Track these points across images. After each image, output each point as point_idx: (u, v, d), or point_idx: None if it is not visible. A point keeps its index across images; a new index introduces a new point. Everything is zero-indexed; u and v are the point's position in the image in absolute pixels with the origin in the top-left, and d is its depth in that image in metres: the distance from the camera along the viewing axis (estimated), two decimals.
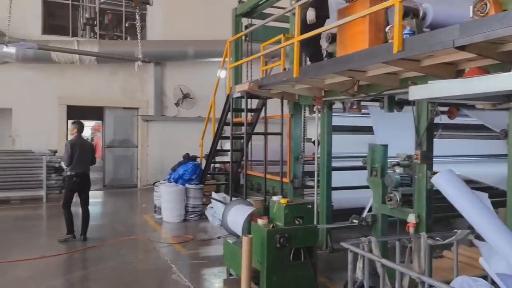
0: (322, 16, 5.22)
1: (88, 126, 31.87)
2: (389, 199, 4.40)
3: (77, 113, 12.92)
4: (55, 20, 12.80)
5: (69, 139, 6.95)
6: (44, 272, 5.25)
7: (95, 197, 11.05)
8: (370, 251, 3.23)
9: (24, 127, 11.24)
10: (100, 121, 20.34)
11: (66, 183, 6.89)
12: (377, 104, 5.39)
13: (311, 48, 5.38)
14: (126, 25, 12.80)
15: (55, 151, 10.43)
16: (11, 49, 10.40)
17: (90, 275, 5.07)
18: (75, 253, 5.98)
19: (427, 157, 4.17)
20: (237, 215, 4.72)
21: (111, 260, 5.62)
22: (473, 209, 2.79)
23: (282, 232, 4.04)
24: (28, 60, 10.83)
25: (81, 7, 12.64)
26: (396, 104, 4.98)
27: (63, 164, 7.09)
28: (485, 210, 2.78)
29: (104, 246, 6.27)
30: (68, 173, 6.56)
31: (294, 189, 6.68)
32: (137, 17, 8.93)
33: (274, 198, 4.37)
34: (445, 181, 2.92)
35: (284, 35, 6.14)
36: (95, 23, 12.78)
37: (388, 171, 4.53)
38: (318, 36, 5.28)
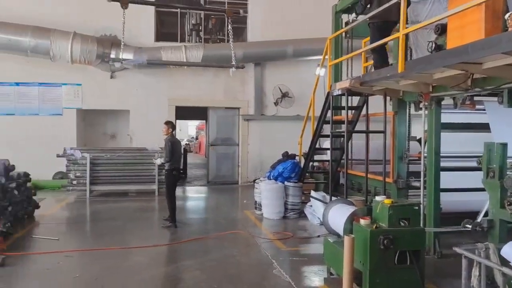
0: None
1: (193, 126, 34.00)
2: (509, 203, 3.98)
3: (184, 113, 13.90)
4: (166, 27, 13.87)
5: (164, 138, 7.55)
6: (158, 259, 5.75)
7: (200, 192, 11.81)
8: (487, 258, 2.97)
9: (139, 126, 12.38)
10: (204, 121, 21.64)
11: (167, 177, 7.47)
12: (494, 99, 4.91)
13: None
14: (242, 14, 13.28)
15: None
16: (129, 56, 11.52)
17: (197, 265, 5.41)
18: (183, 243, 6.44)
19: None
20: (338, 214, 4.66)
21: (215, 252, 5.95)
22: None
23: (386, 233, 3.90)
24: (143, 66, 11.89)
25: (188, 14, 13.50)
26: None
27: (158, 161, 7.66)
28: None
29: (209, 239, 6.65)
30: (166, 167, 7.27)
31: (398, 189, 6.39)
32: (229, 27, 9.36)
33: (378, 198, 4.23)
34: None
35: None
36: (200, 28, 13.57)
37: (508, 173, 4.11)
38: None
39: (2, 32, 10.71)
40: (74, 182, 10.36)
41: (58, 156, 10.42)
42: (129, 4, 7.55)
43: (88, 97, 12.15)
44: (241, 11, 9.50)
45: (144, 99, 12.40)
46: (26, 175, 7.66)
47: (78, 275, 4.94)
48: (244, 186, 12.64)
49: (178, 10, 12.85)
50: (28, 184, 7.76)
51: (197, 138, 30.82)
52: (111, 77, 12.10)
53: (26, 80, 11.75)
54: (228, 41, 13.55)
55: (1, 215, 6.11)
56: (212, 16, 13.75)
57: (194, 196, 11.21)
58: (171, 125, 7.57)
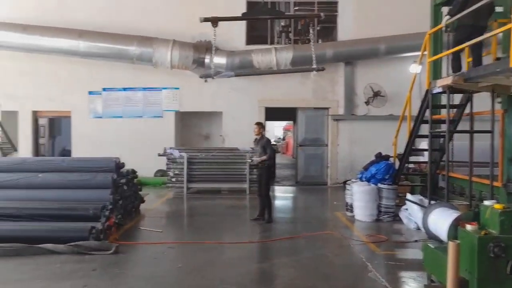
0: None
1: (279, 127, 34.43)
2: None
3: (272, 114, 14.12)
4: (256, 31, 14.23)
5: (255, 138, 8.05)
6: (252, 254, 5.96)
7: (288, 192, 11.93)
8: None
9: (231, 127, 12.88)
10: (291, 121, 21.76)
11: (265, 173, 7.71)
12: None
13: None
14: (318, 28, 13.32)
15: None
16: (222, 60, 12.06)
17: (290, 263, 5.50)
18: (276, 241, 6.57)
19: None
20: (440, 218, 4.42)
21: (308, 252, 5.98)
22: None
23: (496, 241, 3.61)
24: (234, 68, 12.32)
25: None
26: None
27: (255, 160, 7.87)
28: None
29: (300, 238, 6.70)
30: (259, 165, 7.65)
31: (507, 194, 5.86)
32: (311, 31, 9.32)
33: (487, 202, 3.93)
34: None
35: (496, 20, 5.45)
36: (290, 29, 13.70)
37: None
38: None
39: (113, 43, 11.85)
40: (173, 179, 11.10)
41: (159, 155, 11.25)
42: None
43: (185, 100, 12.94)
44: (322, 14, 9.47)
45: (236, 101, 12.86)
46: (134, 172, 8.38)
47: (180, 265, 5.32)
48: (333, 188, 12.49)
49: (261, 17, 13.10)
50: (135, 180, 8.48)
51: (284, 139, 31.20)
52: (206, 80, 12.74)
53: (132, 86, 12.89)
54: (317, 41, 13.59)
55: (114, 208, 6.77)
56: (301, 17, 13.80)
57: (283, 196, 11.35)
58: (262, 126, 7.98)
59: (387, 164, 8.26)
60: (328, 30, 14.20)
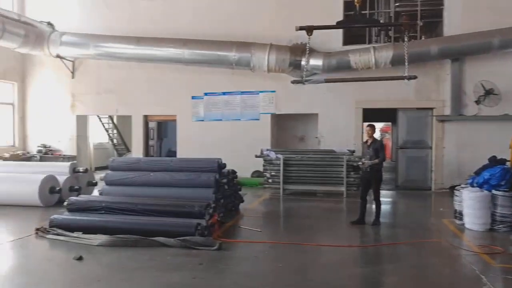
0: None
1: (376, 128, 33.30)
2: None
3: (370, 116, 13.66)
4: (354, 30, 13.88)
5: (365, 139, 7.98)
6: (353, 259, 5.82)
7: (388, 196, 11.43)
8: None
9: (327, 129, 12.74)
10: (389, 123, 20.84)
11: (376, 177, 7.62)
12: None
13: None
14: (421, 23, 12.56)
15: (353, 151, 11.34)
16: (318, 62, 12.01)
17: (394, 270, 5.27)
18: (377, 247, 6.35)
19: None
20: None
21: (412, 259, 5.69)
22: None
23: None
24: (331, 70, 12.18)
25: (376, 14, 13.25)
26: None
27: (367, 162, 7.64)
28: None
29: (403, 245, 6.38)
30: (367, 168, 7.52)
31: None
32: (405, 39, 8.79)
33: None
34: None
35: None
36: (389, 27, 13.14)
37: None
38: None
39: (214, 49, 12.47)
40: (270, 180, 11.31)
41: (256, 156, 11.55)
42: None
43: (281, 103, 13.13)
44: (419, 22, 8.98)
45: (332, 103, 12.69)
46: (234, 172, 8.72)
47: (281, 265, 5.40)
48: (438, 193, 11.68)
49: (367, 10, 12.74)
50: (235, 181, 8.81)
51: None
52: (301, 82, 12.78)
53: (231, 90, 13.43)
54: (420, 37, 12.87)
55: (217, 206, 7.11)
56: (403, 14, 13.14)
57: (383, 200, 10.86)
58: (374, 128, 7.93)
59: (503, 168, 7.49)
60: (432, 25, 13.36)
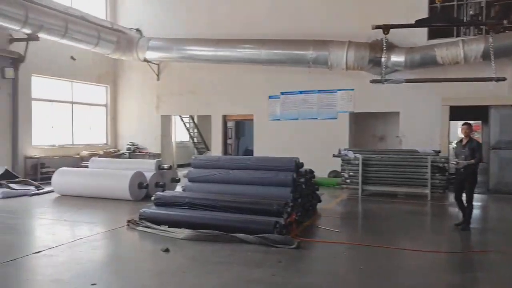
0: None
1: (457, 126, 30.98)
2: None
3: (458, 113, 12.79)
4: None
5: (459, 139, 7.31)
6: (437, 265, 5.45)
7: (479, 200, 10.60)
8: None
9: (409, 128, 12.17)
10: (478, 121, 19.30)
11: (471, 179, 7.20)
12: None
13: None
14: (506, 23, 11.47)
15: (439, 151, 10.70)
16: (400, 58, 11.50)
17: (486, 279, 4.89)
18: (466, 253, 5.95)
19: None
20: None
21: (506, 269, 5.23)
22: None
23: None
24: (414, 66, 11.60)
25: (464, 5, 12.37)
26: None
27: (463, 163, 7.20)
28: None
29: (496, 253, 5.88)
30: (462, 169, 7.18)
31: None
32: (490, 40, 8.02)
33: None
34: None
35: None
36: (480, 18, 12.18)
37: None
38: None
39: (291, 49, 12.49)
40: (348, 180, 11.06)
41: (334, 156, 11.36)
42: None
43: (359, 101, 12.78)
44: (505, 22, 8.19)
45: (415, 100, 12.10)
46: (311, 171, 8.65)
47: (362, 267, 5.25)
48: None
49: (455, 1, 11.95)
50: (312, 180, 8.74)
51: None
52: (381, 81, 12.33)
53: (308, 89, 13.36)
54: None
55: (294, 205, 7.12)
56: (496, 3, 12.11)
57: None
58: (471, 126, 7.50)
59: None
60: None
